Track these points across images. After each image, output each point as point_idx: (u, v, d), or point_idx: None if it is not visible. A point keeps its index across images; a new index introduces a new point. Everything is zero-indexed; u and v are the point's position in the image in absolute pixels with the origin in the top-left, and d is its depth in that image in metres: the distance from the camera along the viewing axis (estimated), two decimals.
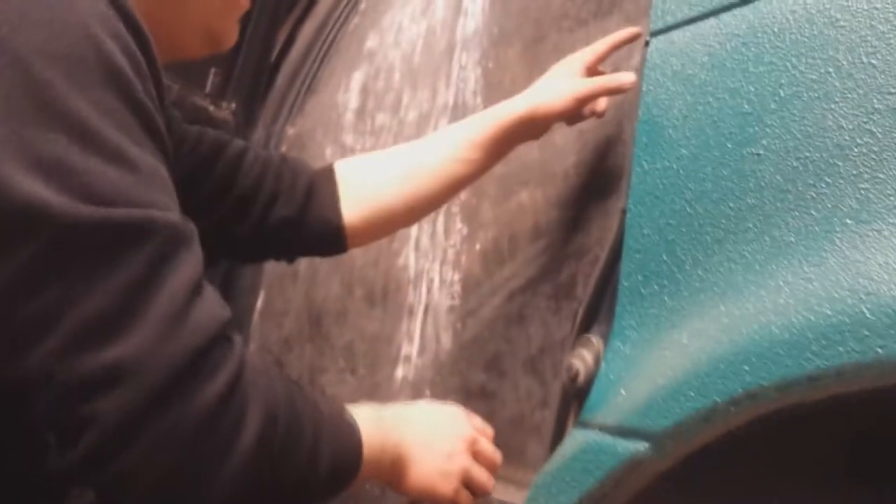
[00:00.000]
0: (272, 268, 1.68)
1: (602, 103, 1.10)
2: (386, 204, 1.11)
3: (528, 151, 1.30)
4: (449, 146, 1.12)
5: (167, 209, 0.60)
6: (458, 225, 1.44)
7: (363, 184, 1.11)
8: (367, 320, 1.54)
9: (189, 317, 0.57)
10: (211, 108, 1.52)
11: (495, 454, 0.92)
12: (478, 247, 1.40)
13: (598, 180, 1.20)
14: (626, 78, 0.98)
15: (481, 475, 0.87)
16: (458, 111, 1.50)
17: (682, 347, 0.59)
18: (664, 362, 0.60)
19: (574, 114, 1.11)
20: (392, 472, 0.81)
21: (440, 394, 1.38)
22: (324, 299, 1.61)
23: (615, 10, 1.26)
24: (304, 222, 1.07)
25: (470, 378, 1.35)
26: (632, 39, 1.09)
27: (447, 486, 0.83)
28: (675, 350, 0.59)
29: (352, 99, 1.64)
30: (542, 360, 1.23)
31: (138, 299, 0.56)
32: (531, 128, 1.11)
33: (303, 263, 1.63)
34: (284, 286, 1.65)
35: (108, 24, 0.60)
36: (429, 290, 1.47)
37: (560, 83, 1.08)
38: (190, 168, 0.96)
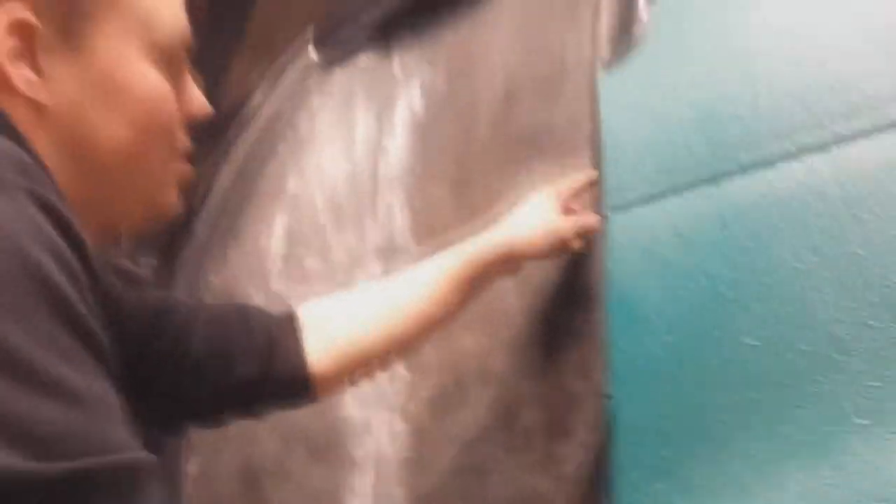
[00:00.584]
0: (202, 429, 1.58)
1: (577, 242, 1.09)
2: (357, 350, 1.06)
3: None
4: (422, 285, 1.08)
5: (121, 445, 0.54)
6: (402, 372, 1.39)
7: (332, 329, 1.06)
8: (310, 478, 1.45)
9: None
10: (130, 266, 1.44)
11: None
12: (423, 393, 1.35)
13: (545, 326, 1.18)
14: (594, 219, 0.99)
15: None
16: (390, 252, 1.48)
17: None
18: None
19: (555, 252, 1.10)
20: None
21: None
22: (261, 456, 1.51)
23: (541, 152, 1.28)
24: (268, 379, 1.01)
25: None
26: (593, 184, 1.10)
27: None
28: None
29: (276, 244, 1.59)
30: None
31: None
32: (508, 265, 1.09)
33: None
34: (218, 447, 1.54)
35: (41, 234, 0.54)
36: (377, 442, 1.41)
37: (539, 219, 1.07)
38: (137, 339, 0.89)
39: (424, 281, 1.09)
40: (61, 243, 0.56)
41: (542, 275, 1.20)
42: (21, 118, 0.64)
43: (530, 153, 1.30)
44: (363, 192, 1.54)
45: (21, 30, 0.62)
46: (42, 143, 0.64)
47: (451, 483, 1.25)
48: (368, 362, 1.08)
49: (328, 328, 1.06)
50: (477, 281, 1.09)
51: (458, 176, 1.40)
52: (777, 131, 0.61)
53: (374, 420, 1.40)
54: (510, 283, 1.25)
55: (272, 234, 1.61)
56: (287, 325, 1.06)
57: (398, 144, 1.54)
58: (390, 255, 1.46)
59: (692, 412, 0.60)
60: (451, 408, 1.29)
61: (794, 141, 0.60)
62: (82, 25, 0.68)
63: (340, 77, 1.67)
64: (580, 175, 1.06)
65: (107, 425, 0.54)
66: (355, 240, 1.53)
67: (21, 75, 0.62)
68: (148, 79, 0.70)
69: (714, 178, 0.64)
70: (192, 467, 1.56)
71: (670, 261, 0.65)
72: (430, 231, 1.41)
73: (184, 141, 0.79)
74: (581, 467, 0.69)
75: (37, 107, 0.63)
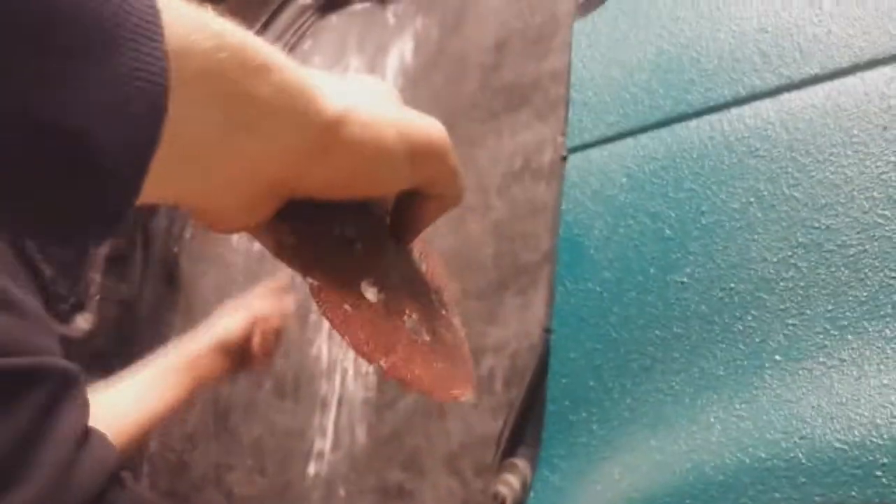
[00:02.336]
0: None
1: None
2: None
3: (442, 239, 1.28)
4: (141, 386, 1.13)
5: (54, 354, 0.58)
6: None
7: None
8: (278, 414, 1.47)
9: (78, 465, 0.55)
10: None
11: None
12: None
13: (516, 273, 1.19)
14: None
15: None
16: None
17: (615, 483, 0.57)
18: (597, 498, 0.58)
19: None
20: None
21: (355, 491, 1.33)
22: (230, 393, 1.53)
23: (525, 104, 1.28)
24: None
25: (387, 475, 1.30)
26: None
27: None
28: (608, 485, 0.57)
29: None
30: (463, 458, 1.20)
31: (28, 449, 0.54)
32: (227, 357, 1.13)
33: None
34: None
35: None
36: (343, 382, 1.42)
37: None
38: None
39: (144, 381, 1.14)
40: None
41: (515, 224, 1.21)
42: None
43: (516, 104, 1.31)
44: None
45: None
46: None
47: (411, 424, 1.27)
48: None
49: None
50: (195, 376, 1.10)
51: (443, 123, 1.40)
52: (730, 76, 0.61)
53: (342, 360, 1.41)
54: (485, 231, 1.26)
55: None
56: None
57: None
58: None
59: (620, 346, 0.61)
60: None
61: (746, 85, 0.60)
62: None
63: (334, 22, 1.67)
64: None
65: (42, 336, 0.58)
66: None
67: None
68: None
69: (667, 122, 0.65)
70: None
71: (618, 201, 0.65)
72: None
73: None
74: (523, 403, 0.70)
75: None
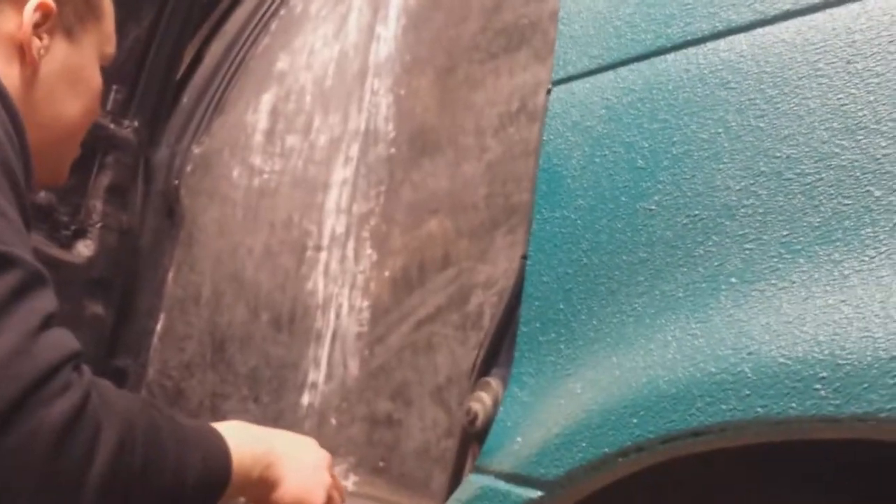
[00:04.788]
0: (173, 290, 1.63)
1: None
2: None
3: (436, 180, 1.30)
4: None
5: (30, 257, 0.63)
6: (368, 251, 1.44)
7: None
8: (273, 346, 1.51)
9: (39, 341, 0.60)
10: (112, 126, 1.47)
11: (341, 483, 0.94)
12: (387, 273, 1.40)
13: (508, 213, 1.22)
14: None
15: (340, 497, 0.88)
16: (370, 137, 1.50)
17: (576, 397, 0.60)
18: (559, 411, 0.61)
19: None
20: (263, 482, 0.79)
21: (346, 421, 1.37)
22: (228, 324, 1.57)
23: (524, 46, 1.28)
24: None
25: (376, 406, 1.34)
26: None
27: (319, 497, 0.82)
28: (570, 399, 0.60)
29: (261, 120, 1.61)
30: (449, 390, 1.24)
31: None
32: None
33: (206, 286, 1.59)
34: (187, 310, 1.60)
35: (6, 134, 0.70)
36: (337, 316, 1.46)
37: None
38: None
39: None
40: (10, 125, 0.69)
41: (508, 165, 1.23)
42: (15, 76, 0.80)
43: (515, 45, 1.31)
44: (352, 77, 1.55)
45: (44, 9, 0.81)
46: (25, 100, 0.80)
47: (401, 357, 1.31)
48: None
49: None
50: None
51: (443, 64, 1.41)
52: (708, 10, 0.63)
53: (337, 295, 1.44)
54: (478, 171, 1.28)
55: (258, 109, 1.63)
56: None
57: (390, 32, 1.55)
58: (371, 140, 1.48)
59: (590, 271, 0.63)
60: (411, 288, 1.34)
61: (722, 20, 0.62)
62: (81, 26, 0.88)
63: None
64: None
65: (21, 240, 0.64)
66: (338, 122, 1.55)
67: (37, 43, 0.81)
68: (98, 79, 0.92)
69: (647, 55, 0.66)
70: (158, 325, 1.62)
71: (596, 132, 0.67)
72: (410, 117, 1.43)
73: None
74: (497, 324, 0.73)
75: (34, 71, 0.81)
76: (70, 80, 0.87)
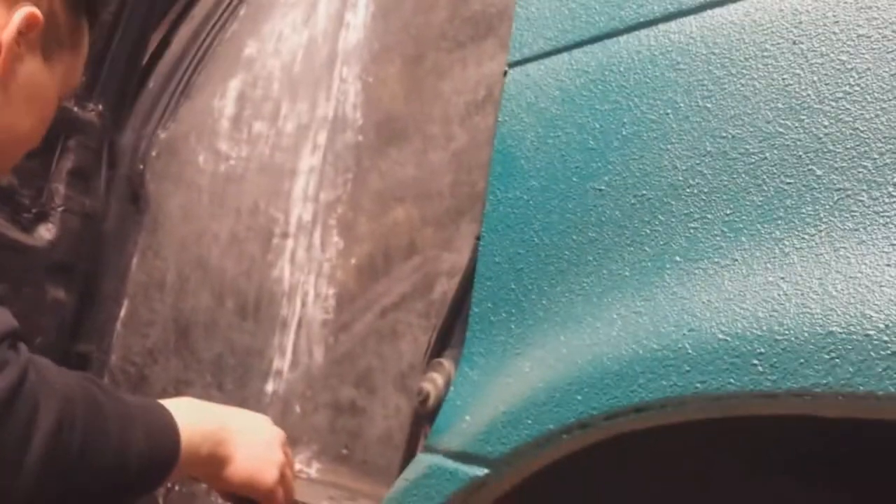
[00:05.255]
0: (137, 276, 1.62)
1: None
2: None
3: (403, 168, 1.30)
4: None
5: None
6: (335, 238, 1.43)
7: None
8: (238, 333, 1.50)
9: None
10: (75, 109, 1.45)
11: (293, 462, 0.93)
12: (353, 261, 1.39)
13: (473, 201, 1.21)
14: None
15: (292, 474, 0.87)
16: (338, 124, 1.49)
17: (524, 375, 0.60)
18: (507, 389, 0.61)
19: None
20: (213, 459, 0.78)
21: (310, 408, 1.37)
22: (192, 310, 1.55)
23: (491, 35, 1.28)
24: None
25: (341, 393, 1.33)
26: None
27: (270, 475, 0.81)
28: (518, 378, 0.60)
29: (228, 106, 1.60)
30: (412, 377, 1.23)
31: None
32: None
33: (170, 272, 1.58)
34: (151, 296, 1.58)
35: None
36: (303, 304, 1.45)
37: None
38: None
39: None
40: None
41: (474, 154, 1.23)
42: None
43: (482, 34, 1.31)
44: (320, 64, 1.54)
45: (32, 20, 0.81)
46: None
47: (366, 345, 1.30)
48: None
49: None
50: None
51: (411, 53, 1.40)
52: None
53: (303, 283, 1.44)
54: (444, 160, 1.28)
55: (225, 95, 1.62)
56: None
57: (359, 19, 1.54)
58: (339, 128, 1.47)
59: (541, 251, 0.64)
60: (376, 276, 1.33)
61: (673, 1, 0.62)
62: (58, 52, 0.89)
63: None
64: None
65: None
66: (306, 109, 1.54)
67: (14, 49, 0.81)
68: (53, 107, 0.93)
69: (600, 37, 0.66)
70: (122, 310, 1.60)
71: (549, 113, 0.67)
72: (378, 105, 1.42)
73: None
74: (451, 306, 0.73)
75: (6, 80, 0.82)
76: (31, 95, 0.88)
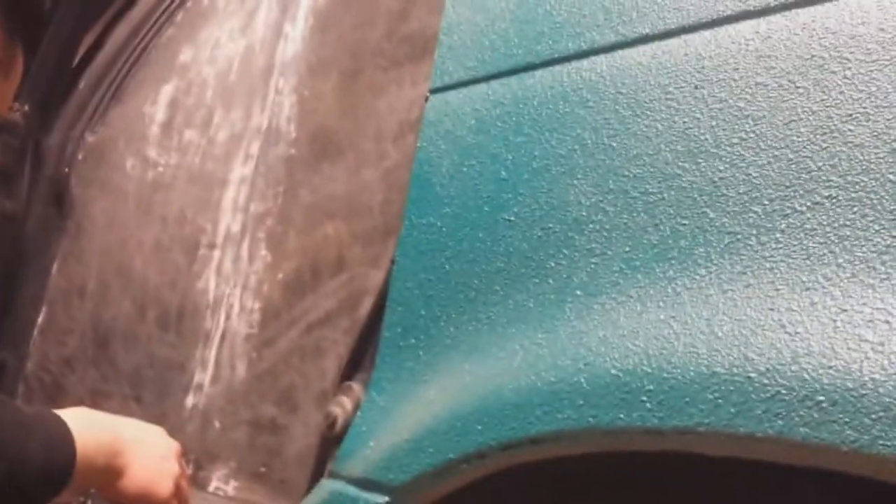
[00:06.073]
0: (57, 281, 1.57)
1: None
2: None
3: (335, 184, 1.29)
4: None
5: None
6: (263, 251, 1.41)
7: None
8: (159, 344, 1.47)
9: None
10: None
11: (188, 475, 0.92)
12: (280, 275, 1.38)
13: (402, 220, 1.22)
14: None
15: (187, 486, 0.86)
16: (272, 136, 1.48)
17: (428, 403, 0.60)
18: (412, 417, 0.61)
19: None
20: (108, 470, 0.77)
21: (230, 424, 1.34)
22: (113, 319, 1.52)
23: (428, 55, 1.29)
24: None
25: (261, 410, 1.32)
26: None
27: (166, 487, 0.80)
28: (422, 405, 0.61)
29: (159, 112, 1.57)
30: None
31: None
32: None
33: (92, 279, 1.54)
34: (70, 302, 1.54)
35: None
36: (227, 317, 1.43)
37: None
38: None
39: None
40: None
41: (406, 173, 1.23)
42: None
43: (419, 54, 1.32)
44: (256, 74, 1.53)
45: None
46: None
47: (289, 361, 1.29)
48: None
49: None
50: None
51: (348, 68, 1.40)
52: (575, 30, 0.64)
53: (228, 295, 1.42)
54: (376, 177, 1.27)
55: (157, 100, 1.59)
56: None
57: (298, 31, 1.53)
58: (272, 139, 1.46)
59: (451, 278, 0.64)
60: (303, 291, 1.32)
61: (587, 40, 0.64)
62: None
63: None
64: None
65: None
66: (239, 119, 1.52)
67: None
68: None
69: (516, 70, 0.68)
70: (40, 317, 1.56)
71: (466, 142, 0.68)
72: (313, 119, 1.42)
73: None
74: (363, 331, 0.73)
75: None
76: None
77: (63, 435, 0.71)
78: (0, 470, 0.64)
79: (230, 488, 1.28)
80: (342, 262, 1.30)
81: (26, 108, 1.47)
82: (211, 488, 1.34)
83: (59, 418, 0.72)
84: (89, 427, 0.75)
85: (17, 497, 0.67)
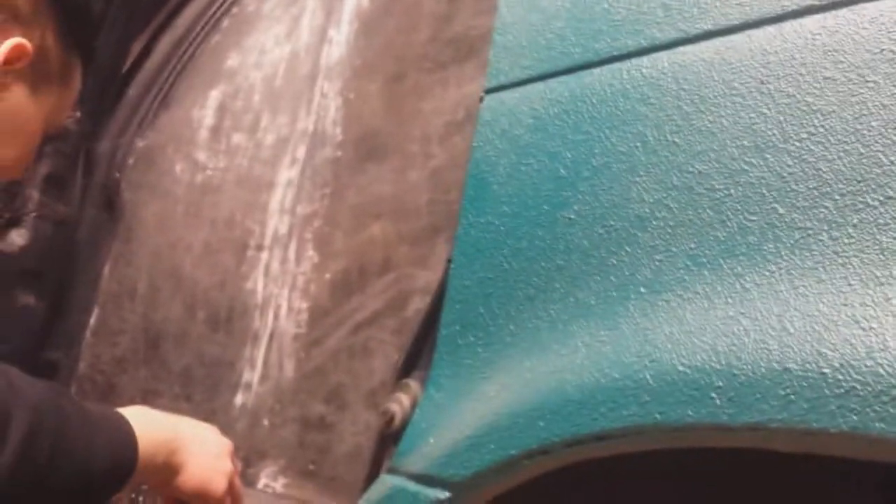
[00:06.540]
0: (109, 284, 1.60)
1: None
2: None
3: (381, 185, 1.30)
4: None
5: None
6: (310, 252, 1.43)
7: None
8: (209, 344, 1.49)
9: None
10: None
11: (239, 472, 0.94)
12: (328, 276, 1.39)
13: (449, 220, 1.22)
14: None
15: (240, 483, 0.88)
16: (317, 139, 1.50)
17: (489, 400, 0.60)
18: (471, 413, 0.61)
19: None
20: (167, 467, 0.79)
21: (278, 422, 1.36)
22: (163, 320, 1.54)
23: (472, 57, 1.30)
24: None
25: (310, 408, 1.33)
26: None
27: (221, 484, 0.83)
28: (482, 402, 0.61)
29: (207, 116, 1.60)
30: (383, 395, 1.23)
31: None
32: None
33: (142, 282, 1.57)
34: (121, 304, 1.57)
35: None
36: (275, 317, 1.45)
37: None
38: None
39: None
40: None
41: (452, 173, 1.23)
42: None
43: (463, 56, 1.32)
44: (302, 78, 1.54)
45: (20, 51, 0.81)
46: None
47: (337, 360, 1.30)
48: None
49: None
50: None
51: (393, 71, 1.41)
52: (634, 27, 0.64)
53: (276, 296, 1.43)
54: (422, 178, 1.28)
55: (205, 105, 1.61)
56: None
57: (342, 35, 1.55)
58: (318, 142, 1.48)
59: (510, 276, 0.64)
60: (350, 291, 1.33)
61: (647, 37, 0.63)
62: (46, 86, 0.89)
63: None
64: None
65: None
66: (286, 122, 1.54)
67: (3, 80, 0.82)
68: (37, 141, 0.93)
69: (574, 69, 0.68)
70: (92, 318, 1.59)
71: (523, 141, 0.68)
72: (358, 121, 1.43)
73: None
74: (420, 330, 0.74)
75: None
76: (14, 126, 0.87)
77: (127, 434, 0.73)
78: (69, 468, 0.66)
79: (279, 485, 1.30)
80: (389, 263, 1.30)
81: (79, 114, 1.51)
82: (259, 485, 1.36)
83: (122, 417, 0.74)
84: (149, 425, 0.77)
85: (83, 494, 0.69)
